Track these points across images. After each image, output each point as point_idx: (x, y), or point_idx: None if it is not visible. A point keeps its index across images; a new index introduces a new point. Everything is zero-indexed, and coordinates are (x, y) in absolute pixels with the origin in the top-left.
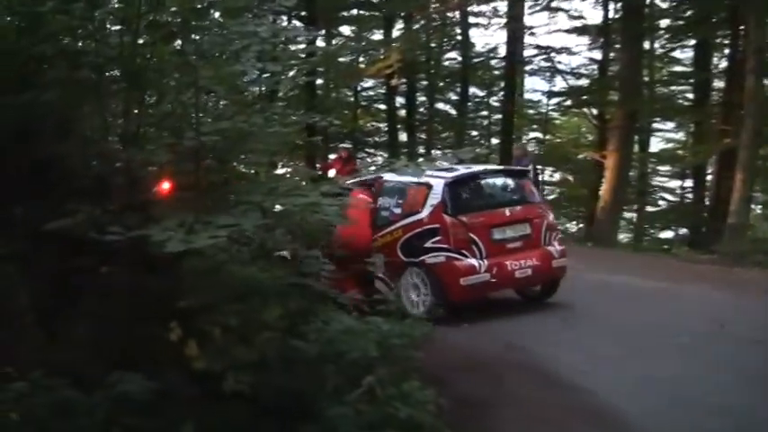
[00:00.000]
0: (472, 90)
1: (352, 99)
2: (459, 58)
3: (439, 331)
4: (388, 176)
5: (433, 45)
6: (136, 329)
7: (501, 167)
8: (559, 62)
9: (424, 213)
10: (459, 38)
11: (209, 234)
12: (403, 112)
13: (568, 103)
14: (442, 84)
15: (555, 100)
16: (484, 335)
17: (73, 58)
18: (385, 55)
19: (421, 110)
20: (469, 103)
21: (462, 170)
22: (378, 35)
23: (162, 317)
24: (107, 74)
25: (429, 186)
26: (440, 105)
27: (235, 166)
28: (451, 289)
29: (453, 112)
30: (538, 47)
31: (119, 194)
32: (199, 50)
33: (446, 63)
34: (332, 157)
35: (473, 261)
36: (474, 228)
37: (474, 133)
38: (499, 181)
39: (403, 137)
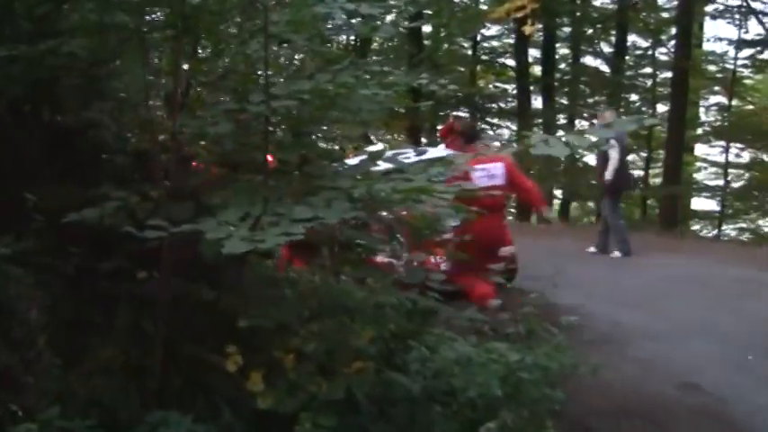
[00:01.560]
0: (632, 39)
1: (470, 53)
2: None
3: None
4: None
5: None
6: (182, 355)
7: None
8: None
9: None
10: None
11: (281, 230)
12: (538, 70)
13: (766, 56)
14: (591, 30)
15: (747, 52)
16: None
17: None
18: None
19: (562, 66)
20: (627, 57)
21: None
22: None
23: (217, 339)
24: (149, 17)
25: None
26: (587, 60)
27: (316, 141)
28: None
29: (605, 68)
30: None
31: (162, 177)
32: None
33: (597, 2)
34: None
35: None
36: None
37: (633, 97)
38: None
39: (537, 102)
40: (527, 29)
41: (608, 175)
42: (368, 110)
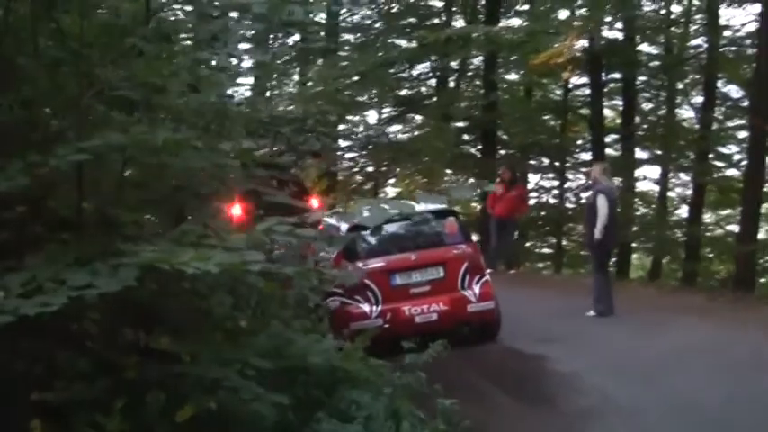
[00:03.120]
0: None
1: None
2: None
3: None
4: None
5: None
6: None
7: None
8: None
9: (332, 258)
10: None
11: (44, 299)
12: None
13: None
14: (679, 85)
15: None
16: None
17: None
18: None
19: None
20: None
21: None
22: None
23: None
24: None
25: (338, 230)
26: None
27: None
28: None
29: (691, 115)
30: None
31: None
32: None
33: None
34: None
35: (365, 307)
36: (371, 273)
37: (729, 149)
38: (413, 222)
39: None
40: (566, 74)
41: (597, 232)
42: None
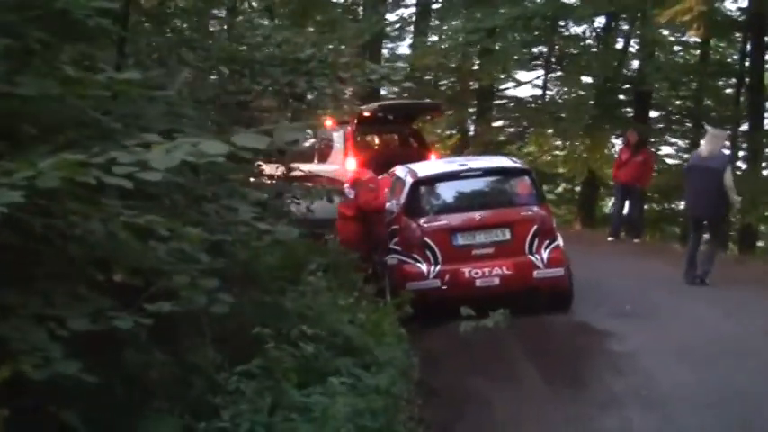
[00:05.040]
0: None
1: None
2: None
3: None
4: (398, 169)
5: None
6: None
7: (488, 165)
8: None
9: (395, 212)
10: None
11: None
12: None
13: None
14: None
15: None
16: None
17: None
18: None
19: None
20: None
21: (440, 167)
22: None
23: None
24: None
25: (403, 184)
26: None
27: None
28: (399, 293)
29: None
30: None
31: None
32: None
33: None
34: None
35: (422, 266)
36: (431, 231)
37: None
38: (482, 180)
39: None
40: (692, 32)
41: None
42: None
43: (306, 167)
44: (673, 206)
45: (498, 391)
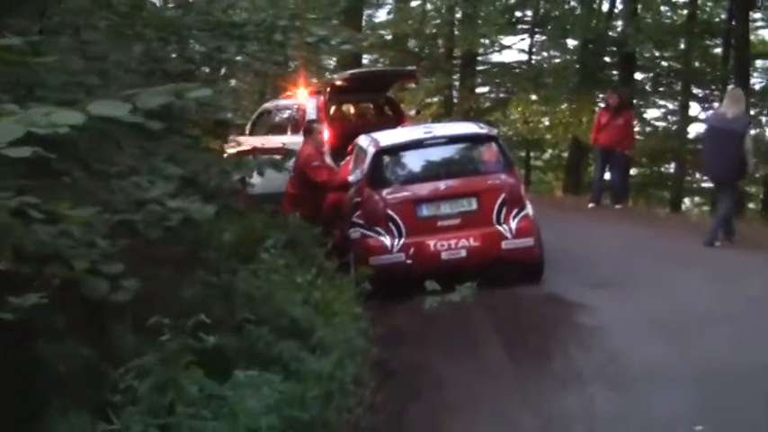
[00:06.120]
0: None
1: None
2: None
3: None
4: (361, 139)
5: None
6: None
7: (453, 132)
8: None
9: (355, 184)
10: None
11: None
12: None
13: None
14: None
15: None
16: None
17: None
18: None
19: None
20: None
21: (404, 136)
22: None
23: None
24: None
25: (365, 154)
26: None
27: None
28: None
29: None
30: None
31: None
32: None
33: None
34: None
35: (385, 240)
36: (394, 203)
37: None
38: (447, 148)
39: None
40: None
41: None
42: None
43: (280, 139)
44: (662, 170)
45: (459, 370)
